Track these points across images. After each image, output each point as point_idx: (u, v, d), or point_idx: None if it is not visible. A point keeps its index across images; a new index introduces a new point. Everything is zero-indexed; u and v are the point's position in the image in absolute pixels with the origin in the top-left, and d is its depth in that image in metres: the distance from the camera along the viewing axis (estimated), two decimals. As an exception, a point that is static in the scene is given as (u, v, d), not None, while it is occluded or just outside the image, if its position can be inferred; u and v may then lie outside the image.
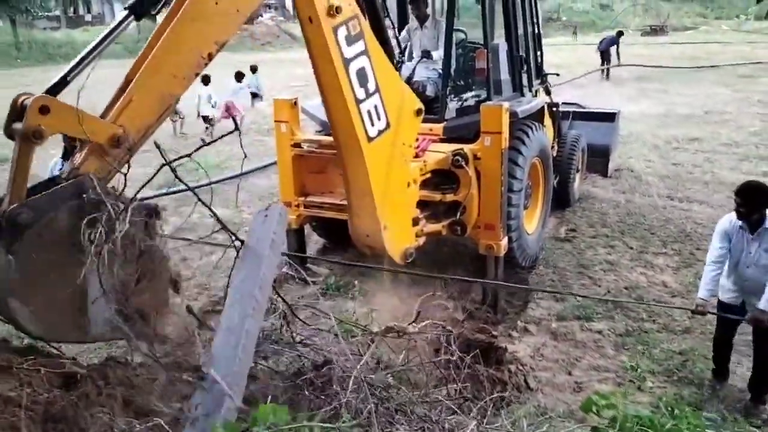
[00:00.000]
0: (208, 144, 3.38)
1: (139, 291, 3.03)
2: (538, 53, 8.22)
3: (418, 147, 5.82)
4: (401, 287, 6.56)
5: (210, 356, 2.79)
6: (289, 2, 43.26)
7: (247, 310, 2.83)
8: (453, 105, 6.71)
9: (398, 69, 6.14)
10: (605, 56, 24.21)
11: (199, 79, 14.79)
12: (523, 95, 7.34)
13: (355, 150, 4.83)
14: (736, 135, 13.76)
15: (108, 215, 2.86)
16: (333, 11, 4.30)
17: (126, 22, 3.68)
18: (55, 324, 2.92)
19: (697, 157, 12.02)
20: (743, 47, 31.75)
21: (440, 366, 4.19)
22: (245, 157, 4.06)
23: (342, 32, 4.41)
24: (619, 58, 24.41)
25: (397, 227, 5.39)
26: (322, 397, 3.21)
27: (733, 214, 4.72)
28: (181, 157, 3.21)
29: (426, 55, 7.03)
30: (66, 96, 3.10)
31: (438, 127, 6.37)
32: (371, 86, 4.73)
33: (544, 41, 8.56)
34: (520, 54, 7.31)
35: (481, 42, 6.79)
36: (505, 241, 6.23)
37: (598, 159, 10.39)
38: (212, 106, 14.89)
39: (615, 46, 24.36)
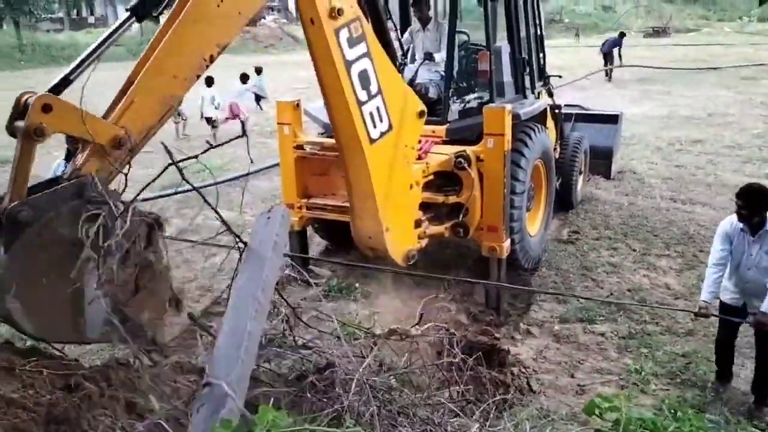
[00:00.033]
0: (216, 146, 3.38)
1: (138, 302, 3.03)
2: (541, 55, 8.22)
3: (420, 149, 5.82)
4: (404, 289, 6.57)
5: (212, 358, 2.79)
6: (292, 5, 43.31)
7: (249, 312, 2.83)
8: (455, 107, 6.72)
9: (401, 71, 6.14)
10: (608, 58, 24.21)
11: (202, 80, 14.86)
12: (525, 97, 7.33)
13: (357, 152, 4.83)
14: (739, 137, 13.74)
15: (108, 215, 2.87)
16: (335, 13, 4.30)
17: (128, 24, 3.69)
18: (52, 324, 2.91)
19: (700, 159, 12.00)
20: (746, 49, 31.71)
21: (443, 368, 4.19)
22: (252, 162, 4.07)
23: (344, 34, 4.42)
24: (621, 59, 24.41)
25: (399, 229, 5.39)
26: (325, 399, 3.21)
27: (734, 217, 4.72)
28: (188, 158, 3.21)
29: (428, 57, 7.03)
30: (68, 97, 3.10)
31: (440, 129, 6.37)
32: (373, 88, 4.73)
33: (546, 43, 8.56)
34: (523, 56, 7.31)
35: (484, 44, 6.79)
36: (507, 243, 6.22)
37: (601, 161, 10.38)
38: (215, 108, 14.91)
39: (617, 47, 24.37)
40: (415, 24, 7.47)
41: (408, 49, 7.50)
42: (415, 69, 7.01)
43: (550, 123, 8.13)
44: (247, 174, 10.67)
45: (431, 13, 7.43)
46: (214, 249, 7.24)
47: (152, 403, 2.62)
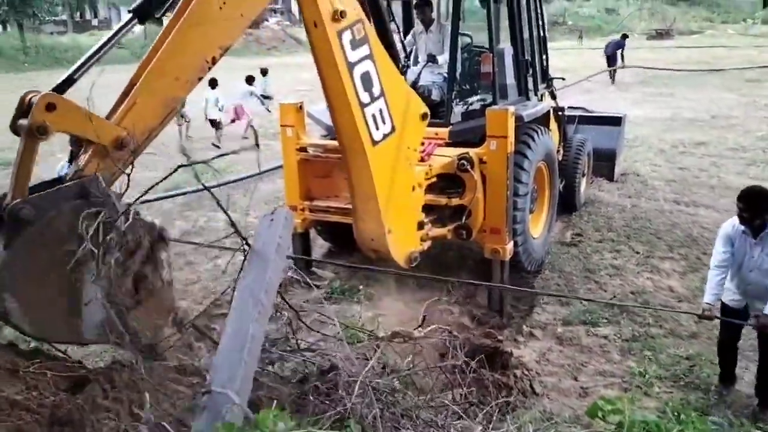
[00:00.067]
0: (230, 153, 3.42)
1: (138, 313, 3.03)
2: (544, 57, 8.22)
3: (423, 151, 5.82)
4: (407, 291, 6.57)
5: (215, 360, 2.79)
6: (295, 7, 43.37)
7: (252, 314, 2.83)
8: (458, 109, 6.71)
9: (403, 73, 6.15)
10: (612, 60, 24.21)
11: (206, 82, 14.78)
12: (528, 99, 7.34)
13: (359, 154, 4.83)
14: (742, 139, 13.71)
15: (109, 215, 2.88)
16: (337, 16, 4.31)
17: (130, 25, 3.71)
18: (48, 323, 2.91)
19: (703, 162, 11.98)
20: (750, 51, 31.65)
21: (446, 371, 4.18)
22: (260, 170, 4.08)
23: (347, 36, 4.43)
24: (623, 61, 24.41)
25: (402, 231, 5.39)
26: (328, 402, 3.20)
27: (736, 219, 4.72)
28: (202, 162, 3.22)
29: (431, 59, 7.03)
30: (71, 98, 3.11)
31: (443, 131, 6.37)
32: (376, 90, 4.74)
33: (549, 45, 8.57)
34: (526, 58, 7.31)
35: (487, 46, 6.80)
36: (510, 246, 6.22)
37: (604, 163, 10.36)
38: (219, 110, 14.92)
39: (621, 49, 24.36)
40: (418, 26, 7.48)
41: (411, 52, 7.51)
42: (418, 71, 7.02)
43: (553, 125, 8.13)
44: (253, 175, 10.70)
45: (434, 15, 7.43)
46: (217, 251, 7.26)
47: (146, 403, 2.62)
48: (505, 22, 7.14)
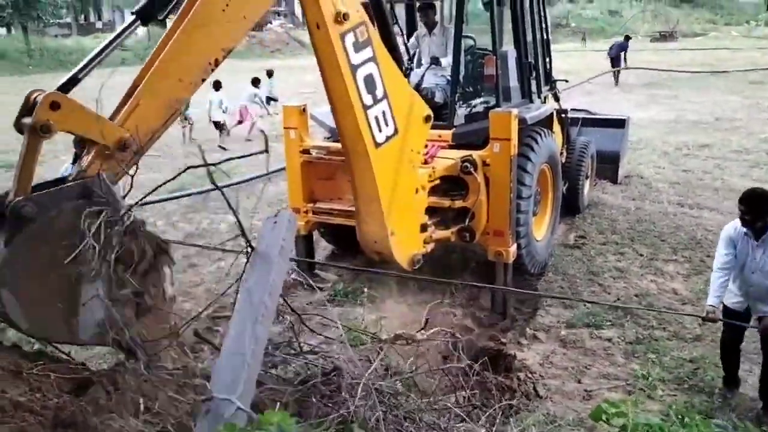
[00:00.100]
0: (240, 158, 3.45)
1: (137, 326, 3.04)
2: (547, 59, 8.22)
3: (426, 153, 5.83)
4: (410, 294, 6.57)
5: (218, 362, 2.79)
6: (298, 9, 43.44)
7: (256, 317, 2.83)
8: (462, 111, 6.72)
9: (407, 76, 6.15)
10: (616, 62, 24.21)
11: (210, 84, 14.80)
12: (531, 102, 7.33)
13: (362, 156, 4.84)
14: (746, 142, 13.69)
15: (112, 214, 2.89)
16: (340, 18, 4.32)
17: (133, 27, 3.72)
18: (45, 321, 2.91)
19: (707, 164, 11.96)
20: (753, 53, 31.62)
21: (449, 373, 4.18)
22: (268, 171, 4.09)
23: (349, 39, 4.43)
24: (626, 62, 24.41)
25: (405, 233, 5.39)
26: (331, 404, 3.20)
27: (738, 221, 4.72)
28: (213, 164, 3.23)
29: (435, 61, 7.04)
30: (76, 98, 3.12)
31: (447, 134, 6.37)
32: (379, 92, 4.74)
33: (552, 47, 8.56)
34: (529, 60, 7.31)
35: (490, 48, 6.79)
36: (514, 248, 6.21)
37: (608, 165, 10.35)
38: (223, 112, 14.96)
39: (624, 51, 24.37)
40: (422, 29, 7.49)
41: (414, 54, 7.52)
42: (421, 73, 7.02)
43: (556, 127, 8.13)
44: (254, 177, 10.72)
45: (437, 17, 7.44)
46: (220, 253, 7.27)
47: (140, 406, 2.62)
48: (508, 25, 7.13)
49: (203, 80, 3.53)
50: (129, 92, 3.39)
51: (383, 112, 4.82)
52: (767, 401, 4.87)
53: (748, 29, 47.61)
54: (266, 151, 3.53)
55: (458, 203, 6.05)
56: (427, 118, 5.29)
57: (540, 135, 6.76)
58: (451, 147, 6.30)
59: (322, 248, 7.88)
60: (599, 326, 6.09)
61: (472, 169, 5.89)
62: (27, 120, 2.95)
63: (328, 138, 6.89)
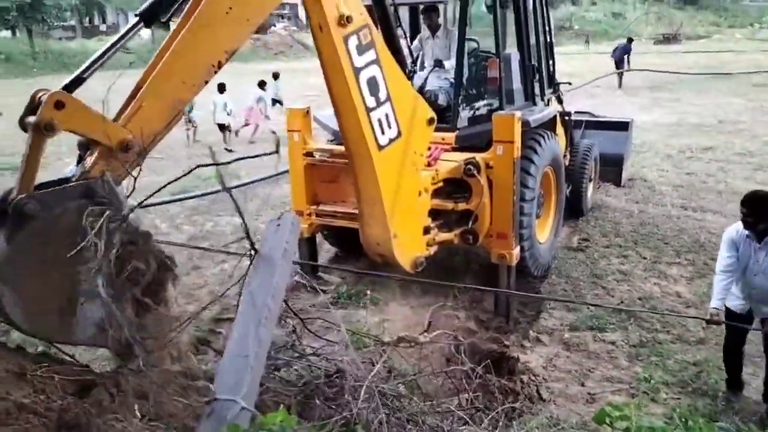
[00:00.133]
0: (250, 158, 3.45)
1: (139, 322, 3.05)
2: (550, 62, 8.21)
3: (430, 156, 5.83)
4: (413, 296, 6.57)
5: (221, 365, 2.80)
6: (302, 12, 43.53)
7: (259, 319, 2.84)
8: (465, 114, 6.72)
9: (410, 78, 6.16)
10: (620, 65, 24.21)
11: (214, 86, 14.82)
12: (535, 104, 7.33)
13: (365, 158, 4.84)
14: (750, 144, 13.67)
15: (114, 214, 2.89)
16: (343, 20, 4.33)
17: (137, 28, 3.73)
18: (42, 319, 2.92)
19: (710, 167, 11.94)
20: (757, 56, 31.58)
21: (452, 376, 4.18)
22: (273, 176, 4.10)
23: (353, 41, 4.44)
24: (629, 64, 24.41)
25: (408, 236, 5.39)
26: (334, 406, 3.21)
27: (740, 224, 4.72)
28: (223, 163, 3.24)
29: (438, 64, 7.04)
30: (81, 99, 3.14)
31: (450, 136, 6.37)
32: (382, 95, 4.75)
33: (556, 50, 8.55)
34: (532, 63, 7.31)
35: (493, 51, 6.79)
36: (517, 251, 6.21)
37: (611, 168, 10.34)
38: (228, 114, 14.99)
39: (627, 54, 24.37)
40: (425, 31, 7.49)
41: (417, 57, 7.52)
42: (424, 76, 7.03)
43: (559, 130, 8.12)
44: (256, 180, 10.73)
45: (441, 20, 7.45)
46: (223, 255, 7.28)
47: (144, 408, 2.63)
48: (511, 28, 7.13)
49: (206, 82, 3.54)
50: (132, 94, 3.40)
51: (386, 115, 4.83)
52: (771, 404, 4.86)
53: (752, 32, 47.57)
54: (277, 152, 3.55)
55: (461, 206, 6.05)
56: (430, 121, 5.29)
57: (543, 138, 6.76)
58: (454, 149, 6.31)
59: (326, 251, 7.88)
60: (603, 329, 6.08)
61: (475, 172, 5.89)
62: (31, 118, 2.97)
63: (332, 141, 6.89)
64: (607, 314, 6.28)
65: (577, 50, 37.91)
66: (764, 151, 13.03)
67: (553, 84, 8.35)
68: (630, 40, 25.35)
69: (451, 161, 6.02)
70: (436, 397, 3.93)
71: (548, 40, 8.02)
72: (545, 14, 7.89)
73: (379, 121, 4.79)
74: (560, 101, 8.70)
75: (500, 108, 6.59)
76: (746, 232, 4.69)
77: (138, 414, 2.61)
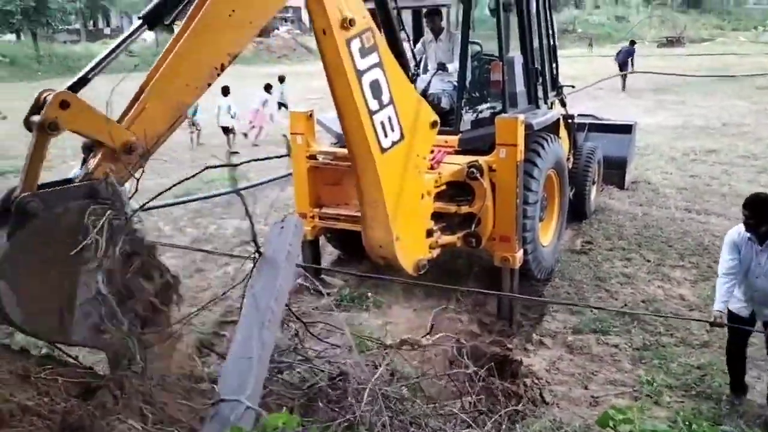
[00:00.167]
0: (260, 160, 3.47)
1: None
2: (554, 65, 8.22)
3: (433, 159, 5.83)
4: (416, 299, 6.56)
5: (225, 367, 2.80)
6: (305, 16, 43.62)
7: (262, 321, 2.84)
8: (468, 117, 6.72)
9: (413, 81, 6.16)
10: (624, 68, 24.21)
11: (218, 89, 14.86)
12: (538, 107, 7.33)
13: (367, 160, 4.85)
14: (754, 147, 13.65)
15: (116, 215, 2.90)
16: (346, 24, 4.34)
17: (140, 31, 3.75)
18: (39, 318, 2.92)
19: (714, 170, 11.93)
20: (761, 59, 31.50)
21: (455, 379, 4.18)
22: (277, 179, 4.11)
23: (355, 44, 4.45)
24: (633, 66, 24.41)
25: (410, 238, 5.39)
26: (337, 409, 3.21)
27: (742, 226, 4.73)
28: (236, 164, 3.25)
29: (441, 67, 7.05)
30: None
31: (453, 139, 6.38)
32: (385, 98, 4.76)
33: (559, 53, 8.56)
34: (536, 66, 7.31)
35: (497, 54, 6.80)
36: (520, 254, 6.20)
37: (615, 171, 10.33)
38: (232, 117, 15.02)
39: (631, 56, 24.37)
40: (428, 34, 7.50)
41: (421, 60, 7.53)
42: (427, 79, 7.03)
43: (563, 133, 8.12)
44: (258, 183, 10.74)
45: (444, 23, 7.46)
46: (227, 258, 7.29)
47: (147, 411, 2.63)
48: (514, 31, 7.14)
49: (209, 85, 3.56)
50: (136, 96, 3.42)
51: (389, 118, 4.84)
52: (775, 408, 4.85)
53: (756, 35, 47.49)
54: (288, 154, 3.56)
55: (464, 209, 6.05)
56: (433, 124, 5.30)
57: (546, 140, 6.76)
58: (457, 152, 6.31)
59: (329, 253, 7.89)
60: (606, 332, 6.07)
61: (478, 175, 5.89)
62: (36, 118, 2.98)
63: (335, 143, 6.90)
64: (610, 317, 6.28)
65: (580, 53, 37.91)
66: (768, 153, 13.02)
67: (557, 87, 8.36)
68: (633, 43, 25.36)
69: (454, 164, 6.03)
70: (439, 400, 3.92)
71: (551, 43, 8.03)
72: (548, 17, 7.90)
73: (382, 123, 4.80)
74: (563, 104, 8.70)
75: (503, 111, 6.59)
76: (748, 234, 4.69)
77: (151, 412, 2.61)
